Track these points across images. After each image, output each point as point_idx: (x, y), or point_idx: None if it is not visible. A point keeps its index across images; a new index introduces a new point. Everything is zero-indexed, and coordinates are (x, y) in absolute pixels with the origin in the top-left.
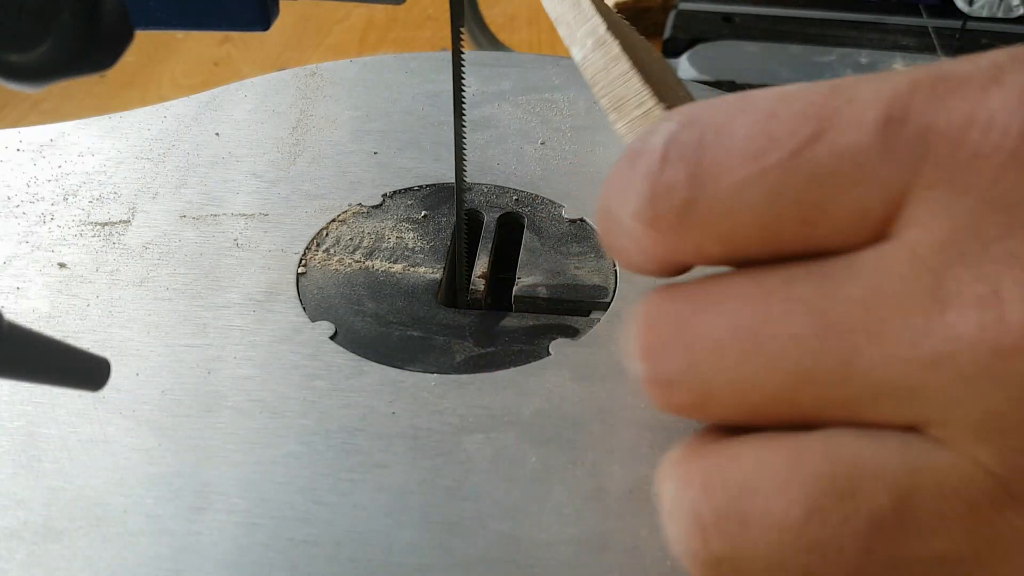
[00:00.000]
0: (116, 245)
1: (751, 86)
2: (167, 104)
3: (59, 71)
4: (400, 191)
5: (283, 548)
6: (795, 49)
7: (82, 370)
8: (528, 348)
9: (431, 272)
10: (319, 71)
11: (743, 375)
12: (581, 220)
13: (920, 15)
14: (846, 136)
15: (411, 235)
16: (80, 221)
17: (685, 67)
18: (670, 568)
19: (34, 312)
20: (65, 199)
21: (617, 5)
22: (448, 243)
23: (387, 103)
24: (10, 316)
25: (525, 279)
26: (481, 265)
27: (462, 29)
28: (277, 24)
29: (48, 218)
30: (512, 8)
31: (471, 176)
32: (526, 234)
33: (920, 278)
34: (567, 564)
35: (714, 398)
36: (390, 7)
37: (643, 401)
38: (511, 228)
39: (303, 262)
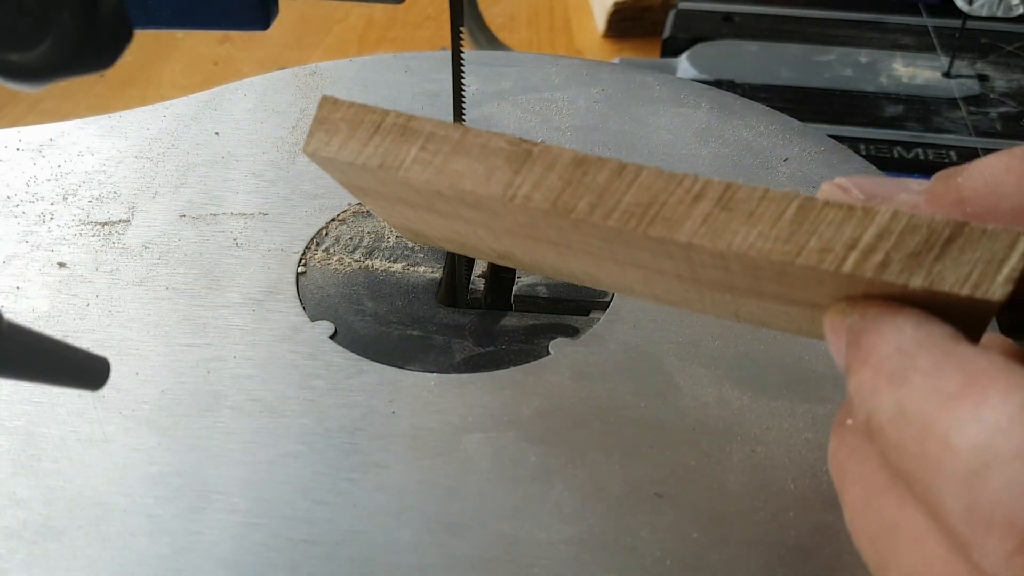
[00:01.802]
0: (116, 245)
1: (751, 86)
2: (167, 103)
3: (59, 71)
4: None
5: (283, 548)
6: (795, 48)
7: (82, 369)
8: (528, 347)
9: (431, 271)
10: (319, 70)
11: None
12: None
13: (920, 14)
14: None
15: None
16: (80, 220)
17: (685, 66)
18: (670, 568)
19: (34, 312)
20: (65, 199)
21: (617, 5)
22: None
23: (387, 102)
24: (10, 316)
25: (525, 278)
26: (481, 264)
27: (462, 28)
28: (277, 23)
29: (48, 217)
30: (512, 7)
31: None
32: None
33: None
34: (567, 564)
35: None
36: (390, 6)
37: (642, 400)
38: None
39: (303, 261)
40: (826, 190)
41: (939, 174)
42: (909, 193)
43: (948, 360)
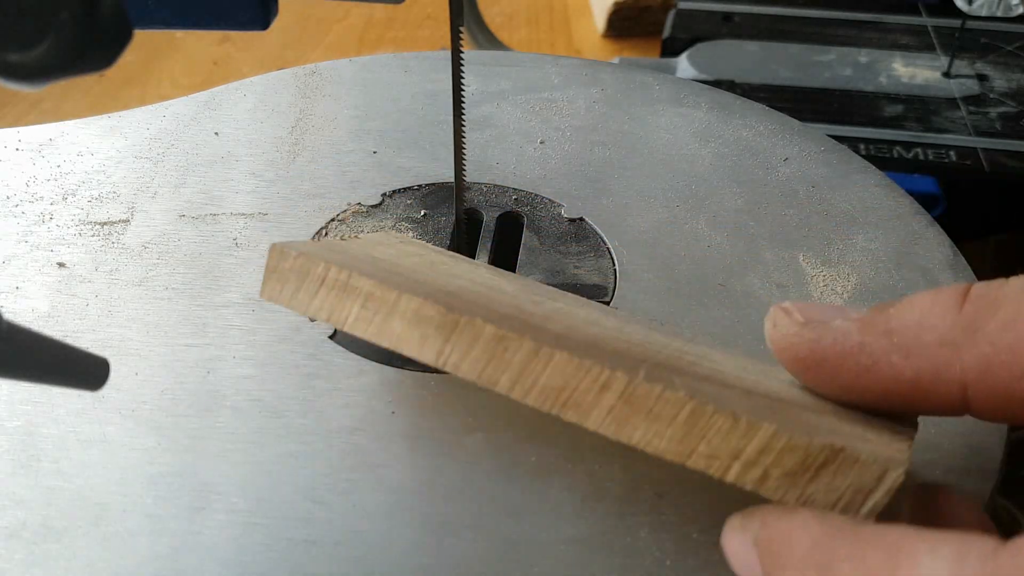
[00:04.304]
0: (115, 245)
1: (750, 85)
2: (166, 103)
3: (58, 71)
4: (399, 190)
5: (283, 548)
6: (794, 48)
7: (81, 370)
8: None
9: None
10: (318, 70)
11: None
12: (580, 219)
13: (919, 14)
14: None
15: (411, 234)
16: (79, 220)
17: (684, 66)
18: (670, 568)
19: (33, 312)
20: (64, 198)
21: (617, 5)
22: (447, 242)
23: (386, 102)
24: (9, 316)
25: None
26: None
27: (461, 28)
28: (276, 23)
29: (47, 217)
30: (511, 7)
31: (470, 175)
32: (525, 233)
33: None
34: (567, 564)
35: None
36: (389, 6)
37: None
38: (510, 227)
39: None
40: (772, 313)
41: (875, 305)
42: (844, 319)
43: (864, 541)
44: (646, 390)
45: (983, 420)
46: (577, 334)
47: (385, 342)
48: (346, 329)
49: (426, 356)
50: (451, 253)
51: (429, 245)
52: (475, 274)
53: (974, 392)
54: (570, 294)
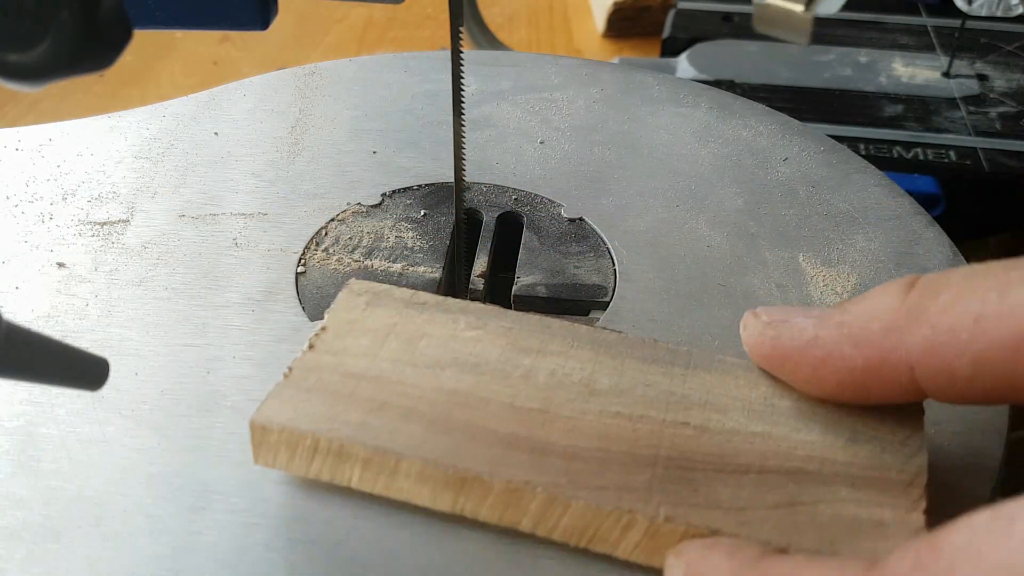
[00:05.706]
0: (115, 245)
1: (750, 85)
2: (166, 103)
3: (57, 71)
4: (399, 190)
5: (283, 548)
6: (794, 48)
7: (81, 370)
8: None
9: (430, 271)
10: (318, 70)
11: None
12: (580, 219)
13: (919, 14)
14: None
15: (410, 234)
16: (79, 220)
17: (684, 66)
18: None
19: (33, 312)
20: (64, 199)
21: (616, 4)
22: (447, 242)
23: (386, 102)
24: (9, 316)
25: (524, 278)
26: (480, 264)
27: (461, 28)
28: (276, 23)
29: (47, 217)
30: (511, 7)
31: (470, 175)
32: (525, 233)
33: None
34: (567, 564)
35: None
36: (389, 6)
37: None
38: (510, 227)
39: (302, 261)
40: (744, 318)
41: (836, 304)
42: (804, 317)
43: (764, 571)
44: (670, 528)
45: (939, 400)
46: (582, 435)
47: (395, 496)
48: (351, 486)
49: (441, 506)
50: (423, 299)
51: (397, 294)
52: (459, 347)
53: (921, 373)
54: (556, 321)
